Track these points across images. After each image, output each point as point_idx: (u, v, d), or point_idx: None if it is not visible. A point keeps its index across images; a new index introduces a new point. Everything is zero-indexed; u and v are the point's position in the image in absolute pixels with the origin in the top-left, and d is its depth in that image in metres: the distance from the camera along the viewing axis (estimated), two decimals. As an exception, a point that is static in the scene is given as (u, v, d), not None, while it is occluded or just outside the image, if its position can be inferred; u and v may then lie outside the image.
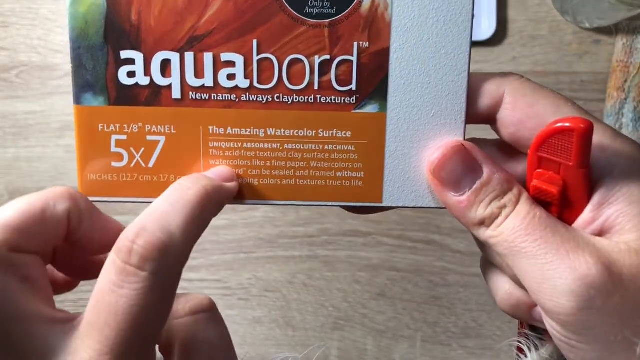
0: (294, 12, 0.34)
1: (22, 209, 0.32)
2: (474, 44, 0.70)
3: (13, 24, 0.72)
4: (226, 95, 0.35)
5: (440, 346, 0.73)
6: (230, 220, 0.73)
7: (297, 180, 0.36)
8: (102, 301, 0.29)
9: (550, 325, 0.33)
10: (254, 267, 0.73)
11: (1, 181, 0.73)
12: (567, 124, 0.31)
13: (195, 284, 0.72)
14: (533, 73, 0.69)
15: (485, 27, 0.69)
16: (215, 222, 0.72)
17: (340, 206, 0.37)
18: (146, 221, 0.30)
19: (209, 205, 0.32)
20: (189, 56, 0.35)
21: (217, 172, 0.35)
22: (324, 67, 0.35)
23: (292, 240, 0.72)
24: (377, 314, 0.73)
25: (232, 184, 0.35)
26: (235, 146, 0.36)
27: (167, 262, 0.30)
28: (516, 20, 0.70)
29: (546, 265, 0.31)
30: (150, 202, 0.35)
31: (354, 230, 0.72)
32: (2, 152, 0.73)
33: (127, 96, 0.35)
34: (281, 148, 0.36)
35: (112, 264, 0.30)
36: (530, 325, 0.37)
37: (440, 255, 0.72)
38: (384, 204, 0.36)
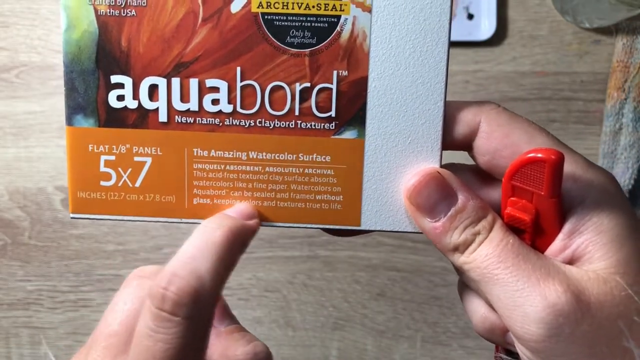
0: (276, 42, 0.36)
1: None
2: (475, 44, 0.70)
3: (13, 24, 0.72)
4: (210, 119, 0.37)
5: (440, 346, 0.73)
6: (230, 220, 0.73)
7: (278, 202, 0.37)
8: (140, 345, 0.31)
9: (521, 350, 0.34)
10: (254, 267, 0.73)
11: (1, 181, 0.73)
12: (539, 155, 0.32)
13: (195, 284, 0.72)
14: (533, 73, 0.70)
15: (485, 27, 0.69)
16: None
17: (319, 228, 0.38)
18: (176, 267, 0.32)
19: (235, 246, 0.34)
20: (175, 81, 0.36)
21: (239, 210, 0.37)
22: (305, 94, 0.36)
23: (292, 240, 0.73)
24: (377, 314, 0.73)
25: (253, 222, 0.36)
26: (219, 168, 0.37)
27: (198, 305, 0.31)
28: (516, 20, 0.70)
29: (517, 293, 0.32)
30: (136, 221, 0.37)
31: (354, 230, 0.72)
32: (2, 152, 0.73)
33: (116, 118, 0.37)
34: (262, 171, 0.37)
35: (148, 309, 0.31)
36: (505, 349, 0.38)
37: (440, 255, 0.72)
38: (362, 227, 0.38)
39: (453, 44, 0.70)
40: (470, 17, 0.70)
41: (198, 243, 0.33)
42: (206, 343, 0.33)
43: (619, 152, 0.68)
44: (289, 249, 0.73)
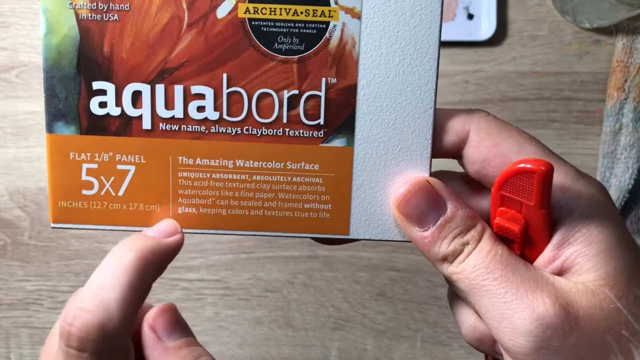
0: (264, 48, 0.35)
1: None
2: (474, 44, 0.69)
3: (13, 24, 0.72)
4: (196, 127, 0.36)
5: (440, 346, 0.73)
6: (229, 220, 0.73)
7: (265, 211, 0.37)
8: None
9: None
10: (254, 267, 0.73)
11: (1, 181, 0.73)
12: (528, 166, 0.32)
13: (195, 284, 0.73)
14: (533, 73, 0.69)
15: (485, 27, 0.69)
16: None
17: (308, 237, 0.37)
18: (84, 299, 0.30)
19: (147, 270, 0.33)
20: (160, 88, 0.35)
21: (160, 228, 0.36)
22: (293, 101, 0.35)
23: (292, 240, 0.73)
24: (377, 314, 0.73)
25: (173, 238, 0.35)
26: (204, 176, 0.36)
27: (107, 338, 0.30)
28: (516, 20, 0.69)
29: (505, 305, 0.32)
30: (119, 230, 0.36)
31: (353, 231, 0.72)
32: (2, 152, 0.73)
33: (99, 126, 0.36)
34: (249, 179, 0.36)
35: (59, 346, 0.30)
36: (495, 358, 0.38)
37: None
38: (351, 236, 0.37)
39: (453, 44, 0.69)
40: (470, 17, 0.69)
41: (107, 269, 0.32)
42: None
43: (619, 152, 0.67)
44: (289, 249, 0.73)
